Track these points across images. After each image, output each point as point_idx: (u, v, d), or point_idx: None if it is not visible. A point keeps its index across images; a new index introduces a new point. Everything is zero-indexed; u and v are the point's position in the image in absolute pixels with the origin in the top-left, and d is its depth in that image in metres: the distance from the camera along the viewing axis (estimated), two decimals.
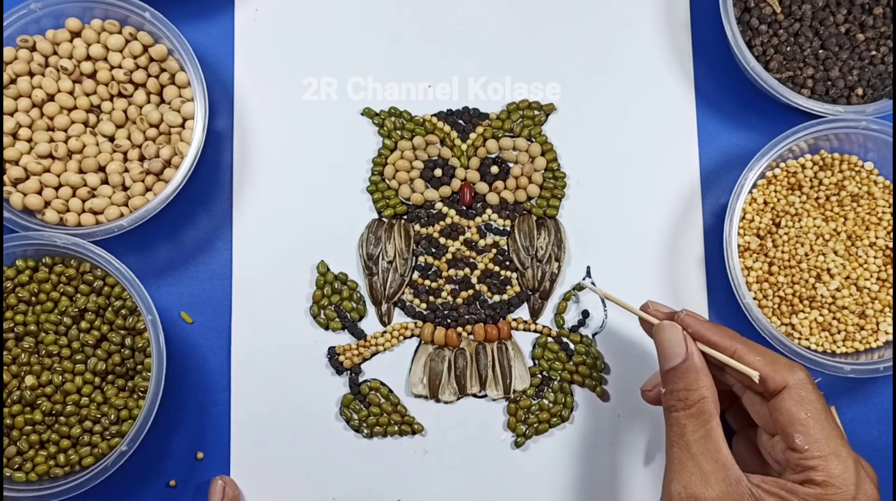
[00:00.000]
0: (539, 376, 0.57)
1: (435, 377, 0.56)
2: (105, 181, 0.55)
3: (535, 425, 0.56)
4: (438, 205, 0.58)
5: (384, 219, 0.58)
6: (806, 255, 0.55)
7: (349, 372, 0.56)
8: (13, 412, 0.52)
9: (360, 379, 0.56)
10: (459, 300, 0.57)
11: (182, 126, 0.55)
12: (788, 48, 0.57)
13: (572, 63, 0.59)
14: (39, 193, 0.54)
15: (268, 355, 0.56)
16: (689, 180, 0.58)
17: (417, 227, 0.57)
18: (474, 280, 0.57)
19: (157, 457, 0.56)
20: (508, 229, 0.58)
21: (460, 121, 0.58)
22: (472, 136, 0.58)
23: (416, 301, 0.57)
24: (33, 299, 0.53)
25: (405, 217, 0.58)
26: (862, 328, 0.55)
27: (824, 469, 0.42)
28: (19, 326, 0.53)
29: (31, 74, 0.55)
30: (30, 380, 0.52)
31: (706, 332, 0.47)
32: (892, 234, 0.55)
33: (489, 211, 0.58)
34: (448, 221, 0.57)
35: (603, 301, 0.57)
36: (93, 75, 0.56)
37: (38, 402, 0.52)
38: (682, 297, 0.57)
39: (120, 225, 0.53)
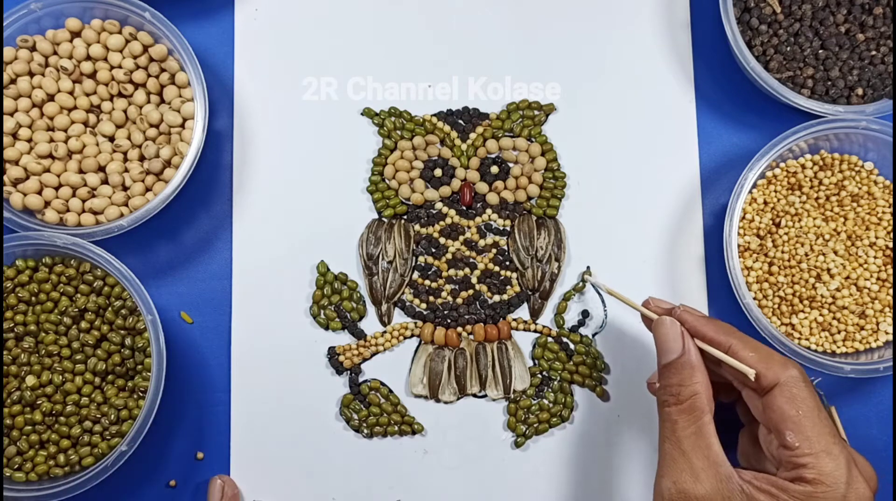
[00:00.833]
0: (539, 376, 0.57)
1: (435, 377, 0.56)
2: (105, 181, 0.55)
3: (535, 425, 0.56)
4: (438, 205, 0.58)
5: (384, 219, 0.58)
6: (806, 255, 0.55)
7: (349, 372, 0.56)
8: (13, 412, 0.52)
9: (360, 379, 0.56)
10: (459, 300, 0.57)
11: (182, 126, 0.55)
12: (788, 48, 0.57)
13: (572, 63, 0.59)
14: (39, 193, 0.54)
15: (268, 355, 0.56)
16: (689, 180, 0.58)
17: (417, 227, 0.57)
18: (474, 280, 0.57)
19: (157, 457, 0.56)
20: (508, 229, 0.58)
21: (460, 121, 0.58)
22: (472, 136, 0.58)
23: (416, 301, 0.57)
24: (33, 299, 0.53)
25: (405, 217, 0.58)
26: (862, 328, 0.55)
27: (815, 466, 0.42)
28: (19, 326, 0.53)
29: (31, 74, 0.55)
30: (30, 380, 0.52)
31: (702, 327, 0.47)
32: (892, 234, 0.55)
33: (489, 211, 0.58)
34: (448, 221, 0.57)
35: (603, 301, 0.57)
36: (93, 75, 0.56)
37: (38, 402, 0.52)
38: (682, 297, 0.57)
39: (120, 225, 0.53)
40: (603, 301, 0.57)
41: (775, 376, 0.44)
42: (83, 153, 0.55)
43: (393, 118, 0.58)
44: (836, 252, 0.55)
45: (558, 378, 0.57)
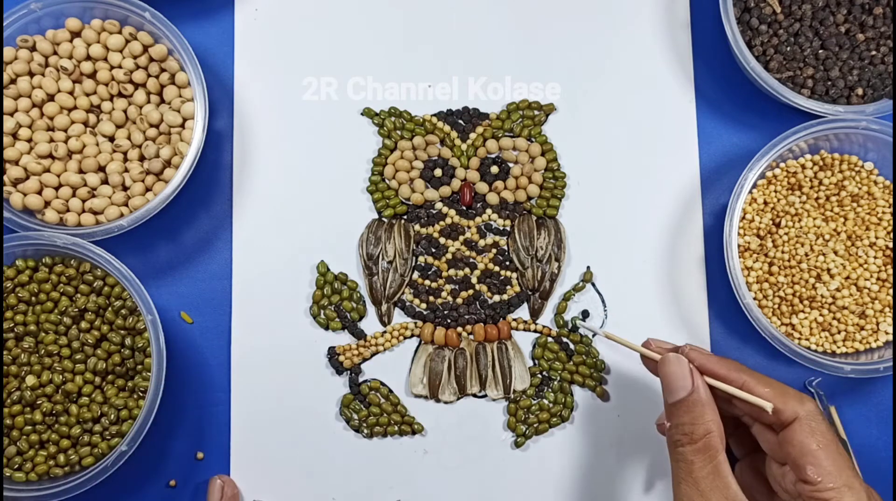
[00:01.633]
0: (539, 376, 0.57)
1: (435, 377, 0.56)
2: (105, 181, 0.55)
3: (535, 425, 0.56)
4: (438, 205, 0.58)
5: (384, 219, 0.58)
6: (806, 255, 0.55)
7: (349, 372, 0.56)
8: (13, 412, 0.52)
9: (360, 379, 0.56)
10: (459, 300, 0.57)
11: (182, 126, 0.55)
12: (788, 48, 0.57)
13: (572, 63, 0.59)
14: (39, 193, 0.54)
15: (268, 355, 0.56)
16: (689, 180, 0.58)
17: (417, 227, 0.57)
18: (474, 280, 0.57)
19: (157, 457, 0.56)
20: (508, 229, 0.58)
21: (460, 121, 0.58)
22: (472, 136, 0.58)
23: (416, 301, 0.57)
24: (33, 299, 0.53)
25: (405, 217, 0.58)
26: (862, 328, 0.55)
27: (837, 500, 0.41)
28: (19, 326, 0.53)
29: (31, 74, 0.55)
30: (30, 380, 0.52)
31: (712, 365, 0.46)
32: (892, 234, 0.55)
33: (489, 211, 0.58)
34: (448, 221, 0.57)
35: (603, 301, 0.57)
36: (93, 75, 0.56)
37: (38, 402, 0.52)
38: (682, 297, 0.57)
39: (120, 225, 0.53)
40: (603, 301, 0.57)
41: (793, 410, 0.43)
42: (83, 153, 0.55)
43: (393, 118, 0.58)
44: (836, 252, 0.55)
45: (558, 378, 0.57)
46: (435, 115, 0.58)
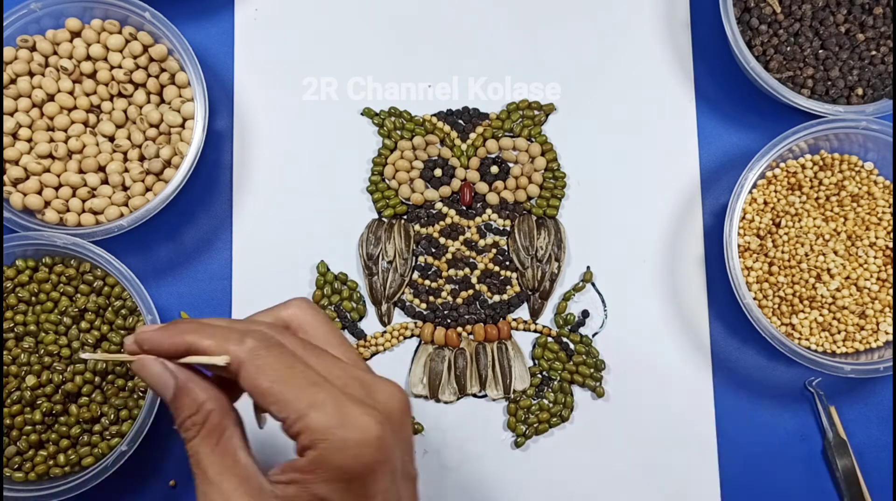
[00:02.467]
0: (539, 376, 0.57)
1: (435, 377, 0.56)
2: (105, 181, 0.55)
3: (535, 425, 0.56)
4: (438, 205, 0.58)
5: (384, 219, 0.58)
6: (806, 255, 0.55)
7: None
8: (13, 412, 0.52)
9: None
10: (459, 300, 0.57)
11: (182, 126, 0.55)
12: (788, 48, 0.57)
13: (572, 63, 0.59)
14: (39, 193, 0.54)
15: None
16: (689, 180, 0.58)
17: (417, 227, 0.57)
18: (474, 280, 0.57)
19: (157, 457, 0.55)
20: (508, 229, 0.58)
21: (460, 121, 0.58)
22: (472, 136, 0.58)
23: (416, 301, 0.57)
24: (33, 299, 0.53)
25: (405, 217, 0.58)
26: (862, 328, 0.55)
27: (307, 429, 0.36)
28: (19, 326, 0.53)
29: (31, 74, 0.55)
30: (30, 380, 0.52)
31: (158, 342, 0.39)
32: (892, 234, 0.55)
33: (489, 211, 0.58)
34: (448, 221, 0.57)
35: (603, 302, 0.57)
36: (93, 75, 0.56)
37: (38, 402, 0.52)
38: (682, 297, 0.57)
39: (120, 225, 0.53)
40: (603, 301, 0.57)
41: (235, 354, 0.38)
42: (83, 153, 0.55)
43: (393, 118, 0.58)
44: (836, 252, 0.55)
45: (558, 378, 0.57)
46: (435, 115, 0.58)
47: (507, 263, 0.57)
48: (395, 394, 0.39)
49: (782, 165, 0.56)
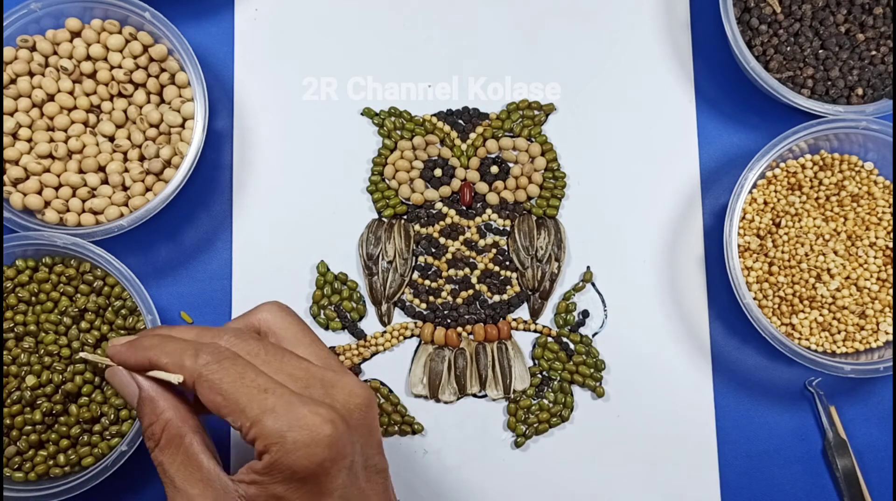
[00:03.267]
0: (539, 376, 0.57)
1: (435, 377, 0.56)
2: (105, 181, 0.55)
3: (535, 425, 0.56)
4: (438, 205, 0.58)
5: (384, 219, 0.58)
6: (806, 255, 0.55)
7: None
8: (13, 412, 0.52)
9: (360, 379, 0.56)
10: (459, 300, 0.57)
11: (182, 126, 0.55)
12: (788, 48, 0.57)
13: (572, 63, 0.59)
14: (39, 193, 0.54)
15: None
16: (689, 180, 0.58)
17: (417, 227, 0.57)
18: (474, 280, 0.57)
19: None
20: (508, 229, 0.58)
21: (460, 121, 0.58)
22: (472, 136, 0.58)
23: (416, 301, 0.57)
24: (33, 299, 0.53)
25: (405, 217, 0.58)
26: (862, 328, 0.55)
27: (260, 435, 0.37)
28: (19, 326, 0.53)
29: (31, 74, 0.55)
30: (30, 380, 0.52)
31: (123, 356, 0.42)
32: (892, 234, 0.55)
33: (489, 211, 0.58)
34: (448, 221, 0.57)
35: (603, 302, 0.57)
36: (93, 75, 0.56)
37: (38, 402, 0.52)
38: (682, 297, 0.57)
39: (120, 225, 0.53)
40: (603, 301, 0.57)
41: (190, 370, 0.39)
42: (83, 153, 0.55)
43: (393, 118, 0.58)
44: (836, 252, 0.55)
45: (558, 378, 0.57)
46: (435, 115, 0.58)
47: (507, 263, 0.57)
48: (355, 390, 0.40)
49: (782, 165, 0.56)
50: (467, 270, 0.57)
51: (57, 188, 0.54)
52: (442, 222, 0.57)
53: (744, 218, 0.56)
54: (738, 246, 0.55)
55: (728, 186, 0.57)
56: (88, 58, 0.56)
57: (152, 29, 0.55)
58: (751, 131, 0.59)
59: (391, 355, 0.57)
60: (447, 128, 0.58)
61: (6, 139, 0.54)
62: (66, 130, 0.55)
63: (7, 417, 0.52)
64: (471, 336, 0.57)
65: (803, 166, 0.56)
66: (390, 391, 0.56)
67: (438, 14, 0.60)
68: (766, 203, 0.56)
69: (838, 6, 0.57)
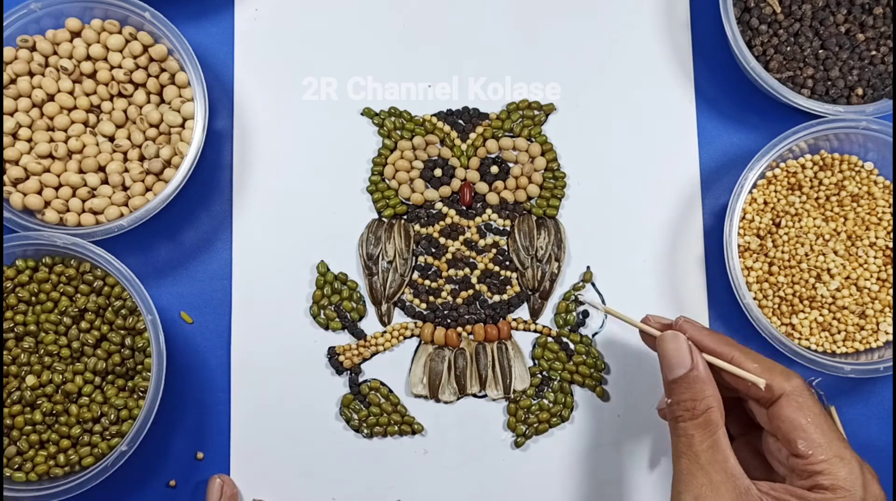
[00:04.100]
0: (539, 376, 0.57)
1: (435, 377, 0.56)
2: (105, 181, 0.55)
3: (535, 425, 0.56)
4: (438, 205, 0.58)
5: (384, 219, 0.58)
6: (806, 255, 0.55)
7: (349, 372, 0.56)
8: (13, 412, 0.52)
9: (360, 379, 0.56)
10: (459, 300, 0.57)
11: (182, 126, 0.55)
12: (788, 48, 0.57)
13: (572, 63, 0.59)
14: (39, 193, 0.54)
15: (268, 355, 0.56)
16: (689, 180, 0.58)
17: (417, 227, 0.57)
18: (474, 280, 0.57)
19: (157, 457, 0.56)
20: (508, 229, 0.58)
21: (460, 121, 0.58)
22: (472, 136, 0.58)
23: (416, 301, 0.57)
24: (33, 299, 0.53)
25: (405, 217, 0.58)
26: (862, 328, 0.55)
27: (830, 472, 0.42)
28: (19, 326, 0.53)
29: (31, 74, 0.55)
30: (30, 380, 0.52)
31: (704, 339, 0.47)
32: (892, 234, 0.55)
33: (489, 211, 0.58)
34: (448, 221, 0.57)
35: (603, 301, 0.57)
36: (93, 75, 0.56)
37: (38, 402, 0.52)
38: (682, 297, 0.57)
39: (120, 225, 0.53)
40: (603, 301, 0.57)
41: (780, 386, 0.44)
42: (83, 153, 0.55)
43: (393, 118, 0.58)
44: (836, 252, 0.55)
45: (558, 378, 0.57)
46: (435, 115, 0.58)
47: (507, 263, 0.57)
48: (877, 479, 0.44)
49: (782, 165, 0.56)
50: (467, 270, 0.57)
51: (57, 188, 0.54)
52: (442, 222, 0.57)
53: (744, 218, 0.56)
54: (738, 246, 0.55)
55: (728, 187, 0.57)
56: (88, 58, 0.56)
57: (152, 29, 0.55)
58: (751, 131, 0.59)
59: (391, 355, 0.57)
60: (447, 128, 0.58)
61: (6, 139, 0.54)
62: (66, 130, 0.55)
63: (7, 417, 0.52)
64: (471, 336, 0.57)
65: (803, 166, 0.56)
66: (390, 391, 0.56)
67: (438, 14, 0.60)
68: (766, 203, 0.56)
69: (838, 6, 0.57)
